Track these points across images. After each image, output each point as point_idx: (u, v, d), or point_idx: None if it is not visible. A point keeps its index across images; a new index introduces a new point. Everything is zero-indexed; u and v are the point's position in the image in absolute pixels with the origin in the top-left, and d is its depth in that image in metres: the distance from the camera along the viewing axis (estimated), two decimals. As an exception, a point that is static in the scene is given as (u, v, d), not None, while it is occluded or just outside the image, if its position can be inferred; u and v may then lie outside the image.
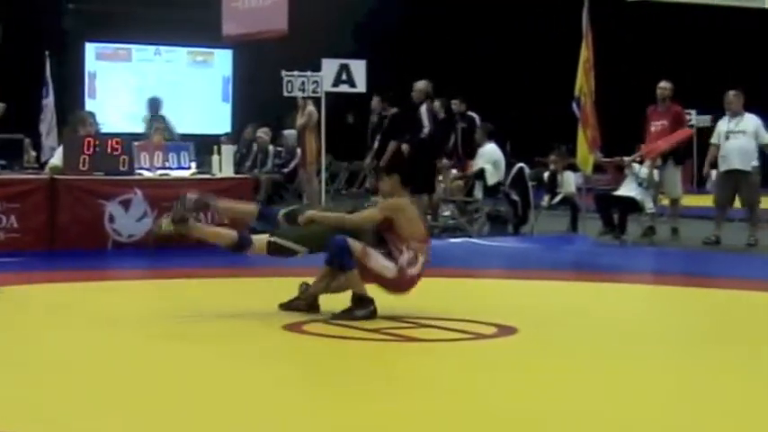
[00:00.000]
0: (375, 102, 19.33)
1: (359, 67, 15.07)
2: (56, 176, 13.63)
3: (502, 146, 17.73)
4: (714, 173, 16.34)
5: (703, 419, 6.04)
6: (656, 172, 15.64)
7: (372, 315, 8.80)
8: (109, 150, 13.71)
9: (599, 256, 13.76)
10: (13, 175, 13.94)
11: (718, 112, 16.07)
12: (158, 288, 10.70)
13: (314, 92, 15.33)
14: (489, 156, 17.06)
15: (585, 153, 16.02)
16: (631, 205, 15.54)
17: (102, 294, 10.59)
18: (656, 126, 15.91)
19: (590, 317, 9.50)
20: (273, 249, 9.06)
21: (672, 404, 6.36)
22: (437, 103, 17.40)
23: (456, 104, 19.61)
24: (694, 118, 23.72)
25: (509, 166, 17.42)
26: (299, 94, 15.78)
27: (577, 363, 7.64)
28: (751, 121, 15.45)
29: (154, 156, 14.47)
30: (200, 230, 9.28)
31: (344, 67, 15.00)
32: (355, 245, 8.79)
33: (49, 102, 20.98)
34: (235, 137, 22.93)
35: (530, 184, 17.07)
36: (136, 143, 14.52)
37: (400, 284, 8.92)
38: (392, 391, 6.63)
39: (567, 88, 16.52)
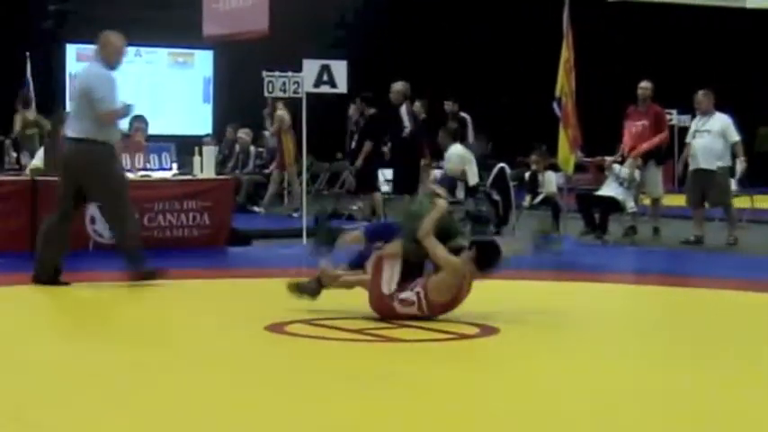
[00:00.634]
0: (353, 109, 19.34)
1: (340, 68, 15.06)
2: (37, 178, 13.59)
3: (485, 146, 17.75)
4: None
5: (685, 415, 6.07)
6: (637, 172, 15.67)
7: None
8: (90, 152, 13.64)
9: (580, 256, 13.78)
10: (-7, 176, 13.91)
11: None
12: (138, 289, 10.67)
13: (295, 92, 15.31)
14: (459, 158, 17.02)
15: (567, 153, 16.05)
16: (613, 205, 15.57)
17: (82, 296, 10.55)
18: (636, 126, 15.94)
19: (571, 316, 9.51)
20: None
21: (655, 401, 6.38)
22: (418, 104, 17.40)
23: (449, 105, 19.61)
24: (675, 118, 23.76)
25: (490, 166, 17.43)
26: (281, 95, 15.76)
27: (561, 362, 7.66)
28: (718, 120, 15.46)
29: (135, 157, 14.44)
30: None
31: (325, 68, 14.98)
32: (393, 248, 8.81)
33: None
34: (216, 138, 22.94)
35: (511, 184, 17.08)
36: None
37: (378, 301, 8.86)
38: (377, 392, 6.62)
39: (548, 88, 16.55)
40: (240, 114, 23.03)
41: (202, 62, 27.97)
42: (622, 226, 15.89)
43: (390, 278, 8.79)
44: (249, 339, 8.29)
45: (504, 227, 16.56)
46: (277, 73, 15.53)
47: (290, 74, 15.43)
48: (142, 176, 14.23)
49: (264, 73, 15.77)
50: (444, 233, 8.89)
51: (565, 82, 15.93)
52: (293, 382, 6.87)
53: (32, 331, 8.68)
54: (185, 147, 16.12)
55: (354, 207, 19.15)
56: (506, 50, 28.02)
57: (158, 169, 14.56)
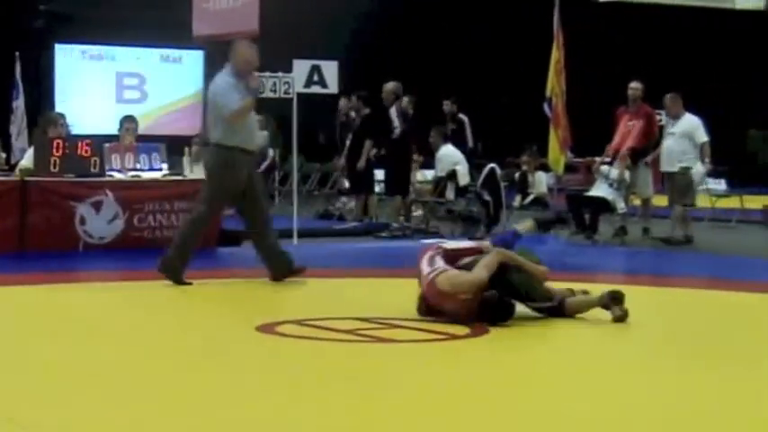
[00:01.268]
0: (342, 102, 19.32)
1: (330, 68, 15.05)
2: (26, 178, 13.56)
3: (475, 147, 17.75)
4: None
5: (681, 414, 6.08)
6: (627, 172, 15.70)
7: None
8: (79, 152, 13.65)
9: (571, 256, 13.79)
10: (-18, 177, 13.88)
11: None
12: (129, 290, 10.66)
13: (285, 93, 15.29)
14: (451, 159, 17.04)
15: (557, 153, 16.08)
16: (603, 205, 15.60)
17: (72, 297, 10.53)
18: (627, 127, 15.97)
19: (562, 316, 9.51)
20: None
21: (649, 400, 6.39)
22: (406, 99, 17.36)
23: (447, 105, 19.59)
24: (664, 118, 23.77)
25: (480, 166, 17.44)
26: (271, 95, 15.73)
27: (551, 362, 7.70)
28: (685, 122, 15.67)
29: (125, 157, 14.42)
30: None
31: (316, 68, 14.97)
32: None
33: (19, 103, 20.93)
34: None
35: (502, 184, 17.09)
36: (107, 144, 14.47)
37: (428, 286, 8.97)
38: (368, 393, 6.62)
39: (538, 89, 16.57)
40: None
41: (192, 62, 27.90)
42: (612, 226, 15.91)
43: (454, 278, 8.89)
44: (240, 340, 8.27)
45: (495, 227, 16.57)
46: (267, 73, 15.51)
47: (280, 74, 15.41)
48: (132, 177, 14.21)
49: (255, 74, 15.73)
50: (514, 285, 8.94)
51: (555, 82, 15.96)
52: (284, 382, 6.86)
53: (25, 332, 8.66)
54: (175, 147, 16.09)
55: (340, 205, 19.23)
56: (505, 50, 28.04)
57: (148, 170, 14.54)
